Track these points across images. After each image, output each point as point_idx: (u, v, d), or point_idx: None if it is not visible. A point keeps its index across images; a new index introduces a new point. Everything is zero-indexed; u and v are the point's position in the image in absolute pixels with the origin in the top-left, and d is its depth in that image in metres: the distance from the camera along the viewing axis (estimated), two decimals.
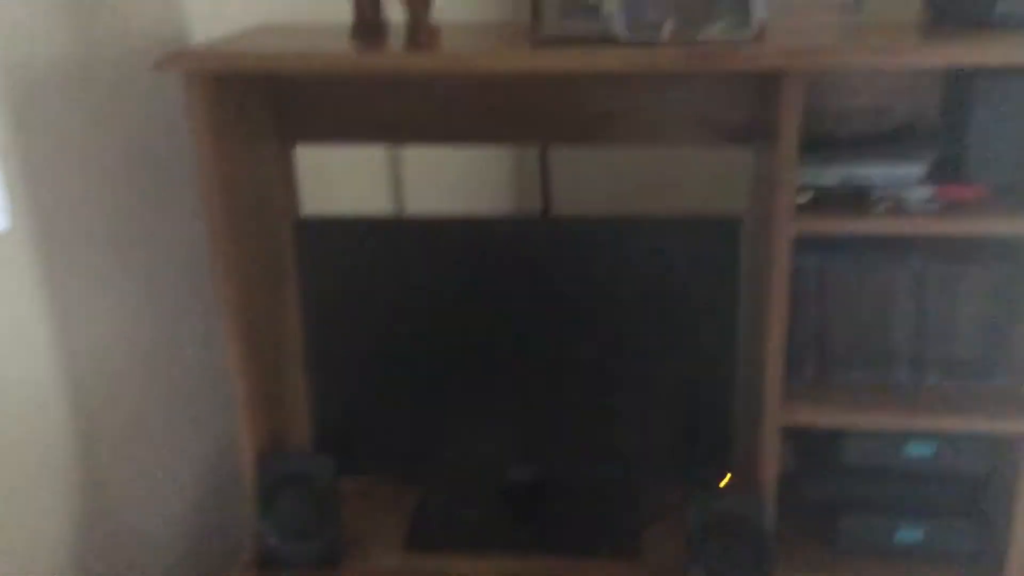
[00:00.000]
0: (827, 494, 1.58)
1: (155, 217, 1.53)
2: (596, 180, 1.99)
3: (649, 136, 1.56)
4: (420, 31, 1.31)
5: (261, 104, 1.55)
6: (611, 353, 1.55)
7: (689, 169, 1.93)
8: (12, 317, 1.30)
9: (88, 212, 1.40)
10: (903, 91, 1.48)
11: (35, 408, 1.36)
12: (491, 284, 1.55)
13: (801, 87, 1.28)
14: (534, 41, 1.35)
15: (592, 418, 1.60)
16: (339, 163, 1.84)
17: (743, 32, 1.24)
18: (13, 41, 1.25)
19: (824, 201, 1.38)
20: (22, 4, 1.26)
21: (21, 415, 1.33)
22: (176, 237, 1.57)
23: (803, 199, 1.37)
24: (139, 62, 1.42)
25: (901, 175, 1.39)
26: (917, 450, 1.50)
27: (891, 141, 1.43)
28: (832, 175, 1.40)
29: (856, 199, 1.38)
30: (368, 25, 1.41)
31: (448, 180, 2.07)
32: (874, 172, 1.39)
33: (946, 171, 1.40)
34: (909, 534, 1.54)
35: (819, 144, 1.39)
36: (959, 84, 1.41)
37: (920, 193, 1.37)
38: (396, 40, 1.37)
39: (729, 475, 1.57)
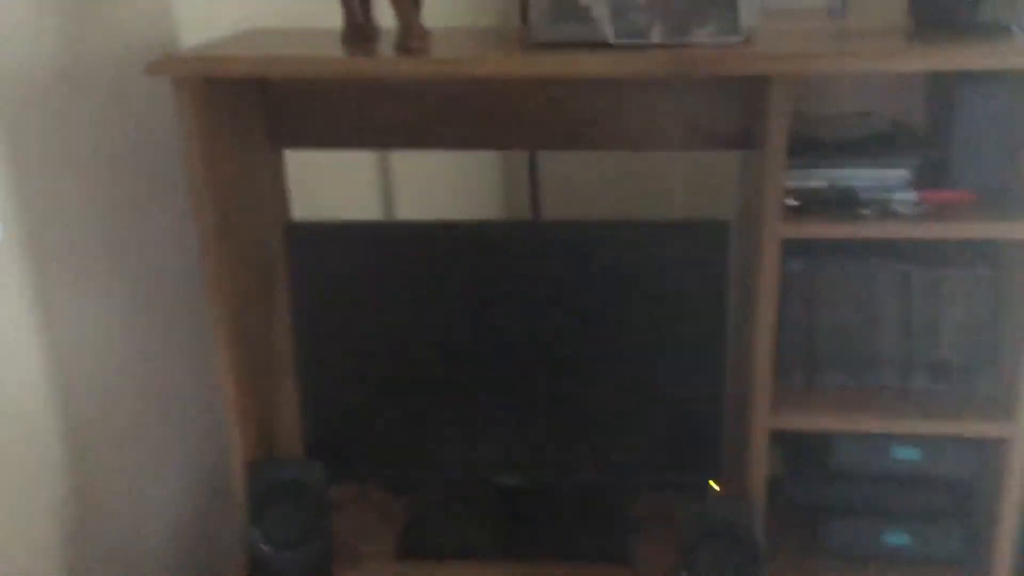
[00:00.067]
0: (815, 498, 1.58)
1: (145, 222, 1.53)
2: (585, 185, 2.00)
3: (638, 141, 1.57)
4: (410, 36, 1.31)
5: (252, 109, 1.55)
6: (600, 358, 1.55)
7: (677, 174, 1.94)
8: (2, 324, 1.29)
9: (78, 218, 1.40)
10: (889, 96, 1.49)
11: (26, 416, 1.35)
12: (481, 289, 1.55)
13: (789, 91, 1.29)
14: (524, 46, 1.36)
15: (582, 424, 1.60)
16: (328, 168, 1.84)
17: (732, 37, 1.26)
18: (3, 46, 1.25)
19: (811, 205, 1.39)
20: (12, 9, 1.26)
21: (11, 423, 1.32)
22: (166, 242, 1.57)
23: (790, 203, 1.38)
24: (130, 67, 1.42)
25: (887, 179, 1.40)
26: (904, 454, 1.51)
27: (877, 146, 1.45)
28: (819, 179, 1.41)
29: (843, 203, 1.39)
30: (358, 30, 1.42)
31: (437, 185, 2.07)
32: (860, 176, 1.40)
33: (931, 175, 1.41)
34: (896, 538, 1.55)
35: (806, 148, 1.40)
36: (944, 89, 1.43)
37: (906, 197, 1.39)
38: (386, 45, 1.37)
39: (718, 480, 1.58)
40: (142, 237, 1.53)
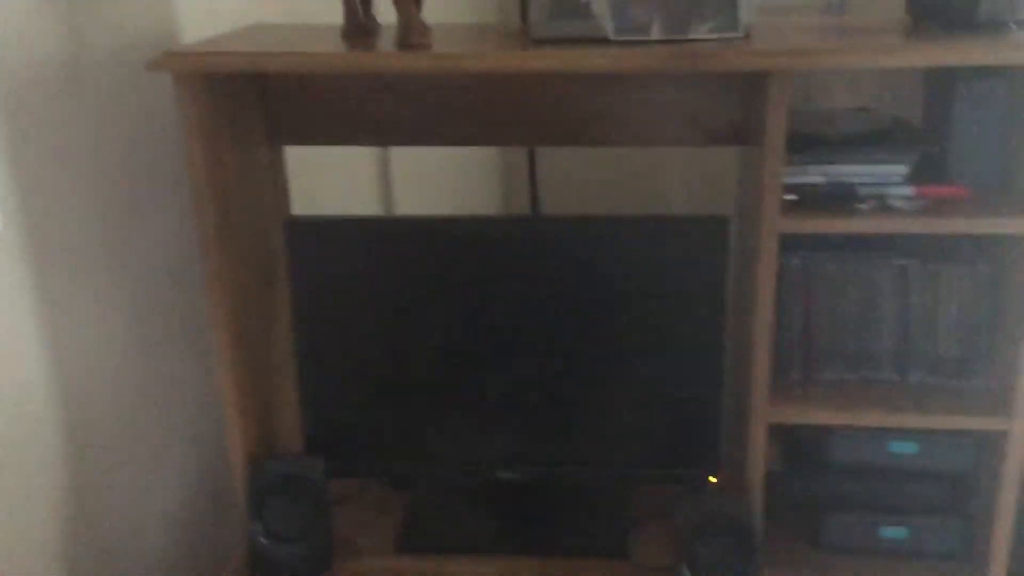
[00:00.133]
0: (813, 492, 1.59)
1: (145, 218, 1.53)
2: (584, 181, 2.00)
3: (637, 137, 1.57)
4: (411, 32, 1.32)
5: (252, 105, 1.56)
6: (599, 353, 1.56)
7: (676, 170, 1.95)
8: (1, 322, 1.29)
9: (78, 214, 1.40)
10: (887, 92, 1.50)
11: (25, 411, 1.35)
12: (480, 284, 1.56)
13: (787, 87, 1.29)
14: (524, 42, 1.36)
15: (581, 418, 1.61)
16: (328, 164, 1.84)
17: (731, 33, 1.26)
18: (3, 42, 1.25)
19: (809, 201, 1.40)
20: (12, 5, 1.26)
21: (10, 419, 1.32)
22: (166, 238, 1.57)
23: (789, 198, 1.39)
24: (130, 63, 1.43)
25: (885, 175, 1.41)
26: (901, 448, 1.52)
27: (875, 141, 1.45)
28: (817, 175, 1.41)
29: (841, 199, 1.40)
30: (359, 26, 1.42)
31: (437, 181, 2.08)
32: (858, 172, 1.41)
33: (929, 171, 1.42)
34: (893, 532, 1.56)
35: (804, 144, 1.41)
36: (941, 85, 1.43)
37: (903, 192, 1.39)
38: (387, 41, 1.38)
39: (717, 474, 1.58)
40: (142, 233, 1.53)
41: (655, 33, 1.27)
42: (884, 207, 1.39)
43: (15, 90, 1.27)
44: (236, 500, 1.57)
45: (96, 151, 1.42)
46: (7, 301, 1.30)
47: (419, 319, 1.58)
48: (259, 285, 1.59)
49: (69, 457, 1.43)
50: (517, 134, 1.64)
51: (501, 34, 1.54)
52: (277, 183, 1.65)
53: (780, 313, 1.46)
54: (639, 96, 1.53)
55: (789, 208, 1.38)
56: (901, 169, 1.41)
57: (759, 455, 1.49)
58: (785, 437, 1.59)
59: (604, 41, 1.28)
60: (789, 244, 1.41)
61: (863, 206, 1.39)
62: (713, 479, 1.58)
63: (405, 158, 2.06)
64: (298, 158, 1.69)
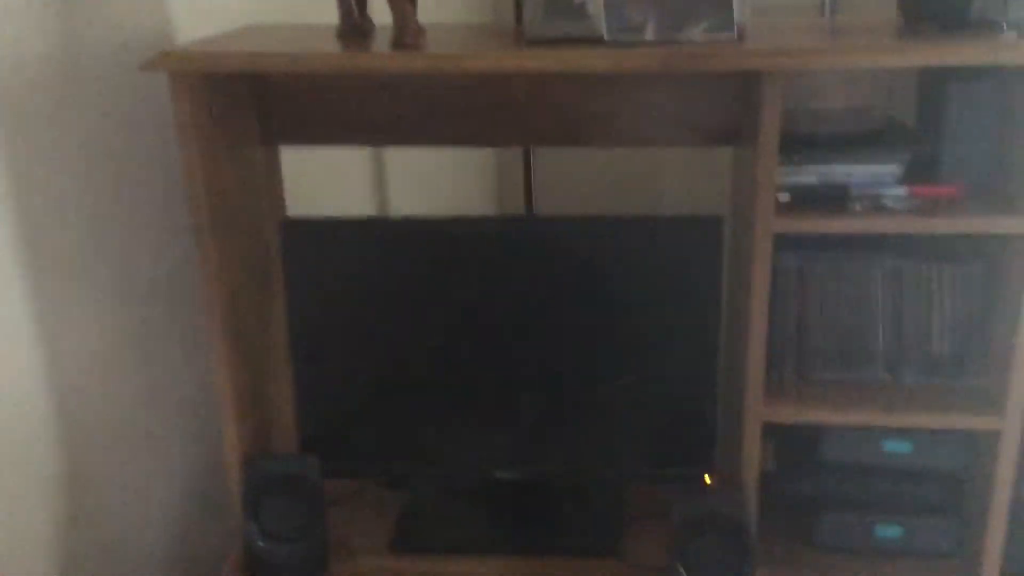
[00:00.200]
0: (807, 491, 1.60)
1: (140, 218, 1.53)
2: (579, 181, 2.01)
3: (631, 137, 1.58)
4: (406, 32, 1.32)
5: (247, 106, 1.56)
6: (594, 352, 1.56)
7: (671, 170, 1.95)
8: None
9: (73, 214, 1.40)
10: (880, 93, 1.51)
11: (21, 412, 1.35)
12: (475, 284, 1.56)
13: (781, 87, 1.30)
14: (519, 42, 1.37)
15: (575, 418, 1.61)
16: (322, 165, 1.84)
17: (725, 33, 1.27)
18: None
19: (803, 200, 1.41)
20: (6, 5, 1.26)
21: (6, 419, 1.32)
22: (161, 239, 1.57)
23: (783, 198, 1.40)
24: (125, 63, 1.43)
25: (878, 175, 1.41)
26: (895, 447, 1.52)
27: (868, 141, 1.46)
28: (810, 175, 1.42)
29: (834, 199, 1.41)
30: (354, 26, 1.43)
31: (432, 181, 2.08)
32: (852, 172, 1.41)
33: (922, 171, 1.43)
34: (887, 531, 1.56)
35: (798, 144, 1.41)
36: (934, 85, 1.44)
37: (896, 192, 1.40)
38: (382, 42, 1.38)
39: (711, 474, 1.59)
40: (137, 233, 1.53)
41: (650, 33, 1.27)
42: (877, 207, 1.39)
43: (10, 90, 1.28)
44: (232, 500, 1.57)
45: (91, 151, 1.42)
46: (2, 301, 1.30)
47: (414, 319, 1.59)
48: (255, 285, 1.60)
49: (65, 458, 1.43)
50: (512, 135, 1.64)
51: (496, 34, 1.54)
52: (272, 183, 1.65)
53: (774, 313, 1.46)
54: (634, 97, 1.54)
55: (783, 208, 1.39)
56: (894, 169, 1.42)
57: (753, 454, 1.50)
58: (779, 436, 1.60)
59: (599, 41, 1.28)
60: (783, 244, 1.41)
61: (856, 206, 1.39)
62: (708, 478, 1.59)
63: (400, 158, 2.06)
64: (292, 158, 1.69)
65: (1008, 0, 1.29)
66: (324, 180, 1.88)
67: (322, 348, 1.60)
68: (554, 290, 1.55)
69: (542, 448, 1.64)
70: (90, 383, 1.46)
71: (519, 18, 1.86)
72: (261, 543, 1.55)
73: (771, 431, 1.53)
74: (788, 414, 1.49)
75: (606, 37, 1.28)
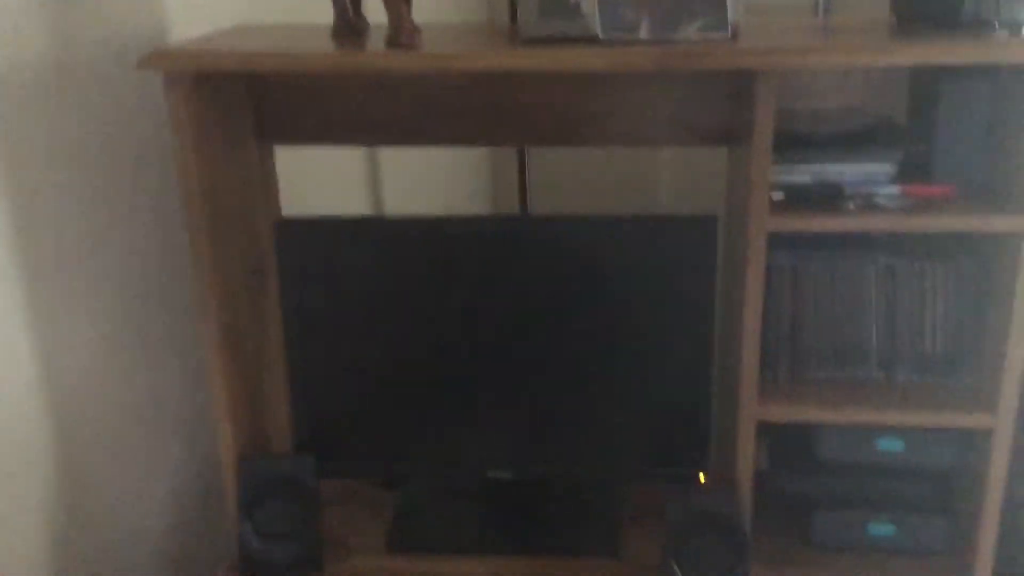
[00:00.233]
0: (801, 490, 1.60)
1: (134, 218, 1.53)
2: (573, 180, 2.01)
3: (626, 137, 1.58)
4: (401, 31, 1.32)
5: (241, 105, 1.56)
6: (589, 352, 1.57)
7: (665, 169, 1.96)
8: None
9: (67, 214, 1.40)
10: (873, 92, 1.51)
11: (14, 413, 1.35)
12: (470, 283, 1.56)
13: (775, 86, 1.30)
14: (514, 42, 1.37)
15: (571, 417, 1.61)
16: (317, 164, 1.84)
17: (719, 32, 1.27)
18: None
19: (797, 199, 1.41)
20: (1, 4, 1.26)
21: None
22: (155, 239, 1.57)
23: (777, 197, 1.40)
24: (118, 62, 1.43)
25: (871, 174, 1.42)
26: (888, 445, 1.53)
27: (861, 141, 1.46)
28: (804, 174, 1.42)
29: (828, 197, 1.41)
30: (349, 26, 1.43)
31: (426, 181, 2.08)
32: (845, 171, 1.42)
33: (915, 170, 1.43)
34: (881, 528, 1.57)
35: (791, 144, 1.42)
36: (926, 84, 1.45)
37: (889, 191, 1.41)
38: (377, 40, 1.38)
39: (706, 472, 1.59)
40: (130, 233, 1.53)
41: (644, 32, 1.28)
42: (871, 206, 1.40)
43: (3, 90, 1.27)
44: (227, 501, 1.57)
45: (85, 150, 1.42)
46: None
47: (409, 319, 1.59)
48: (249, 285, 1.59)
49: (59, 458, 1.43)
50: (507, 134, 1.64)
51: (491, 34, 1.55)
52: (267, 183, 1.65)
53: (768, 311, 1.47)
54: (628, 96, 1.54)
55: (777, 207, 1.39)
56: (887, 168, 1.42)
57: (748, 453, 1.50)
58: (773, 435, 1.60)
59: (594, 40, 1.29)
60: (777, 243, 1.42)
61: (850, 205, 1.40)
62: (703, 477, 1.59)
63: (395, 158, 2.06)
64: (287, 158, 1.69)
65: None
66: (319, 180, 1.88)
67: (317, 348, 1.60)
68: (549, 290, 1.55)
69: (537, 448, 1.64)
70: (84, 382, 1.46)
71: (514, 17, 1.87)
72: (256, 543, 1.55)
73: (765, 430, 1.53)
74: (782, 413, 1.49)
75: (601, 36, 1.29)
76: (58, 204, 1.38)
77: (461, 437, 1.64)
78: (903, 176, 1.42)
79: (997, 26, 1.30)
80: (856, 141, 1.46)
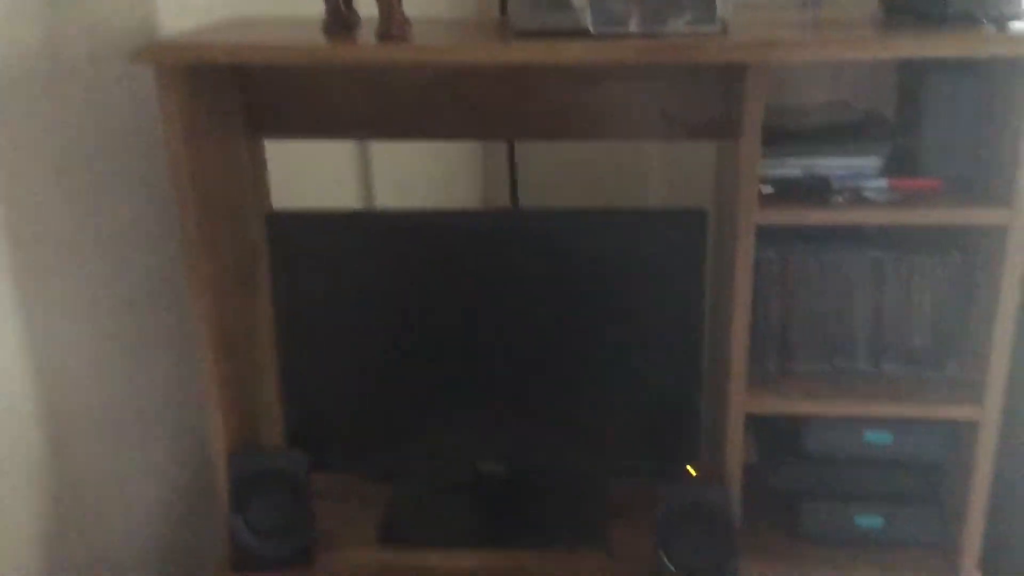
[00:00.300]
0: (789, 482, 1.61)
1: (125, 213, 1.53)
2: (563, 174, 2.02)
3: (616, 131, 1.59)
4: (392, 24, 1.32)
5: (232, 99, 1.56)
6: (578, 346, 1.57)
7: (654, 163, 1.97)
8: None
9: (57, 210, 1.40)
10: (861, 86, 1.52)
11: (4, 409, 1.34)
12: (460, 277, 1.56)
13: (764, 80, 1.31)
14: (504, 34, 1.37)
15: (560, 411, 1.62)
16: (308, 158, 1.84)
17: (708, 26, 1.28)
18: None
19: (785, 193, 1.42)
20: None
21: None
22: (146, 233, 1.57)
23: (766, 191, 1.41)
24: (109, 56, 1.42)
25: (859, 167, 1.43)
26: (876, 438, 1.54)
27: (849, 135, 1.47)
28: (793, 167, 1.43)
29: (816, 191, 1.42)
30: (339, 19, 1.43)
31: (417, 174, 2.08)
32: (833, 165, 1.43)
33: (902, 164, 1.44)
34: (869, 520, 1.58)
35: (780, 137, 1.43)
36: (914, 79, 1.46)
37: (877, 185, 1.42)
38: (368, 34, 1.38)
39: (695, 465, 1.60)
40: (121, 228, 1.52)
41: (634, 26, 1.29)
42: (859, 199, 1.41)
43: None
44: (218, 495, 1.57)
45: (75, 145, 1.42)
46: None
47: (400, 313, 1.59)
48: (240, 279, 1.59)
49: (50, 454, 1.42)
50: (497, 128, 1.65)
51: (481, 27, 1.55)
52: (257, 177, 1.65)
53: (756, 305, 1.47)
54: (618, 90, 1.54)
55: (766, 200, 1.40)
56: (875, 162, 1.43)
57: (736, 446, 1.51)
58: (762, 428, 1.61)
59: (584, 34, 1.29)
60: (766, 237, 1.42)
61: (838, 198, 1.41)
62: (691, 470, 1.60)
63: (385, 151, 2.06)
64: (277, 151, 1.69)
65: None
66: (309, 173, 1.88)
67: (308, 342, 1.60)
68: (539, 284, 1.55)
69: (526, 441, 1.64)
70: (74, 378, 1.46)
71: (504, 11, 1.87)
72: (248, 538, 1.55)
73: (753, 423, 1.54)
74: (771, 405, 1.50)
75: (591, 29, 1.29)
76: (46, 199, 1.38)
77: (451, 430, 1.65)
78: (891, 170, 1.43)
79: (984, 20, 1.31)
80: (844, 135, 1.47)
